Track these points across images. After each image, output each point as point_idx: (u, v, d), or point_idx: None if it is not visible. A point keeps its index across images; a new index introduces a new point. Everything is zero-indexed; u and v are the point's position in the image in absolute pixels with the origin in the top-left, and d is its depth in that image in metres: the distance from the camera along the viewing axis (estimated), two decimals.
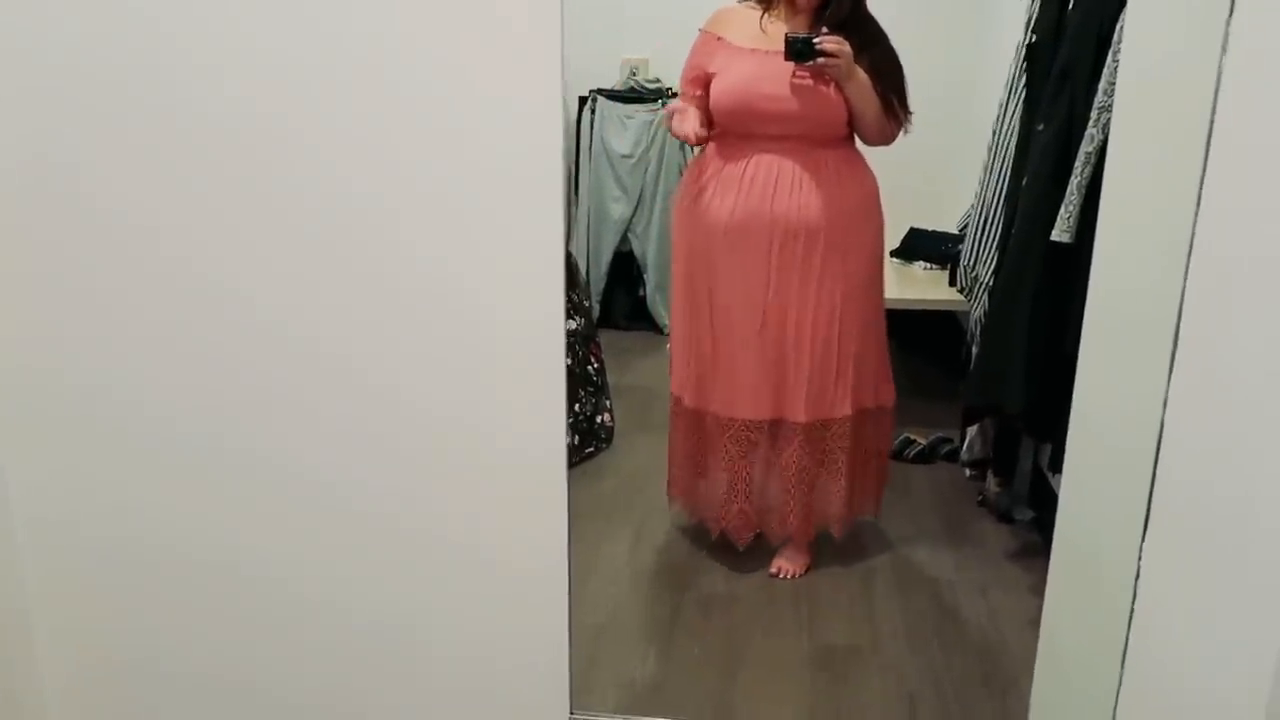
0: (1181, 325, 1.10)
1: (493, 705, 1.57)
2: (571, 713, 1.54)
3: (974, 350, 2.55)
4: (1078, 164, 1.90)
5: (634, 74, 3.84)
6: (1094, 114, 1.86)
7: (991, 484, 2.57)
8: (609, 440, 2.87)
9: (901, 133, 2.17)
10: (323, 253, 1.41)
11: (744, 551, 2.28)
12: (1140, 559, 1.16)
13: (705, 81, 2.13)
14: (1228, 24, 1.00)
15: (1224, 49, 1.00)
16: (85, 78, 1.38)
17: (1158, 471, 1.14)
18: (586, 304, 3.09)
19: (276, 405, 1.48)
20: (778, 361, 2.15)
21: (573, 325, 2.80)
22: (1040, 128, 2.08)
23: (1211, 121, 1.03)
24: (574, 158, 3.87)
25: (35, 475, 1.55)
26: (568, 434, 2.75)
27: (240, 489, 1.52)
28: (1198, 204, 1.06)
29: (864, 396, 2.21)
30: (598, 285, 3.88)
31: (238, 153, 1.39)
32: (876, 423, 2.27)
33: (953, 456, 2.86)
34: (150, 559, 1.57)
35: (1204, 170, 1.05)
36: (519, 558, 1.49)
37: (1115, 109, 1.36)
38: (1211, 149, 1.04)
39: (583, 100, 3.82)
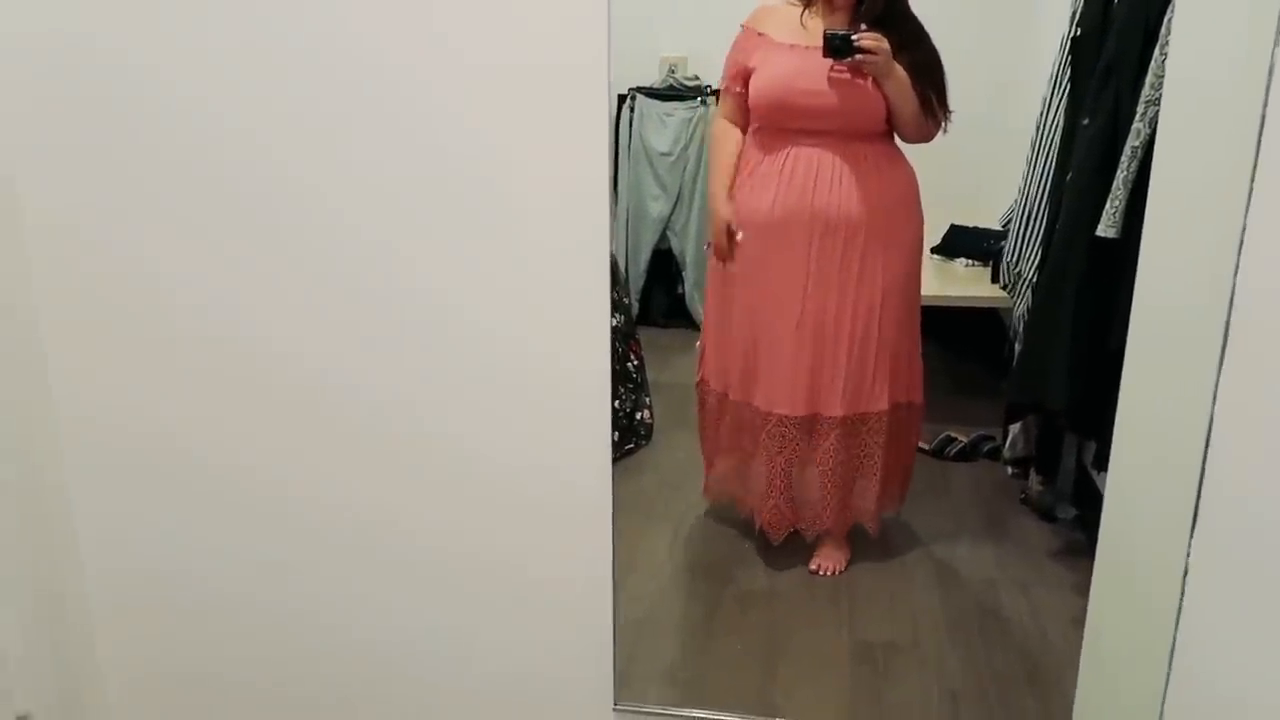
0: (1231, 321, 1.09)
1: (538, 699, 1.59)
2: (615, 705, 1.56)
3: (1017, 347, 2.53)
4: (1123, 159, 1.88)
5: (673, 72, 3.84)
6: (1140, 108, 1.85)
7: (1034, 482, 2.55)
8: (648, 437, 2.88)
9: (940, 132, 2.17)
10: (365, 267, 1.44)
11: (782, 546, 2.28)
12: (1188, 557, 1.15)
13: (745, 77, 2.17)
14: None
15: (1277, 40, 0.98)
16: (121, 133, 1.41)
17: (1206, 469, 1.13)
18: (626, 301, 3.10)
19: (324, 429, 1.51)
20: (815, 356, 2.16)
21: (613, 322, 2.80)
22: (1085, 122, 2.07)
23: (1263, 115, 1.02)
24: (613, 156, 3.88)
25: (100, 506, 1.59)
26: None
27: (292, 510, 1.55)
28: (1249, 199, 1.05)
29: (898, 392, 2.22)
30: (636, 283, 3.88)
31: (281, 171, 1.42)
32: (909, 418, 2.28)
33: (995, 454, 2.83)
34: (208, 586, 1.61)
35: (1255, 165, 1.03)
36: (564, 556, 1.50)
37: (1163, 102, 1.35)
38: (1263, 143, 1.03)
39: (621, 98, 3.82)
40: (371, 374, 1.48)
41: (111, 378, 1.53)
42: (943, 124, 2.17)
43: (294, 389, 1.50)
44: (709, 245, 2.37)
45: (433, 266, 1.42)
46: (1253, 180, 1.04)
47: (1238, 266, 1.07)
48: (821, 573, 2.24)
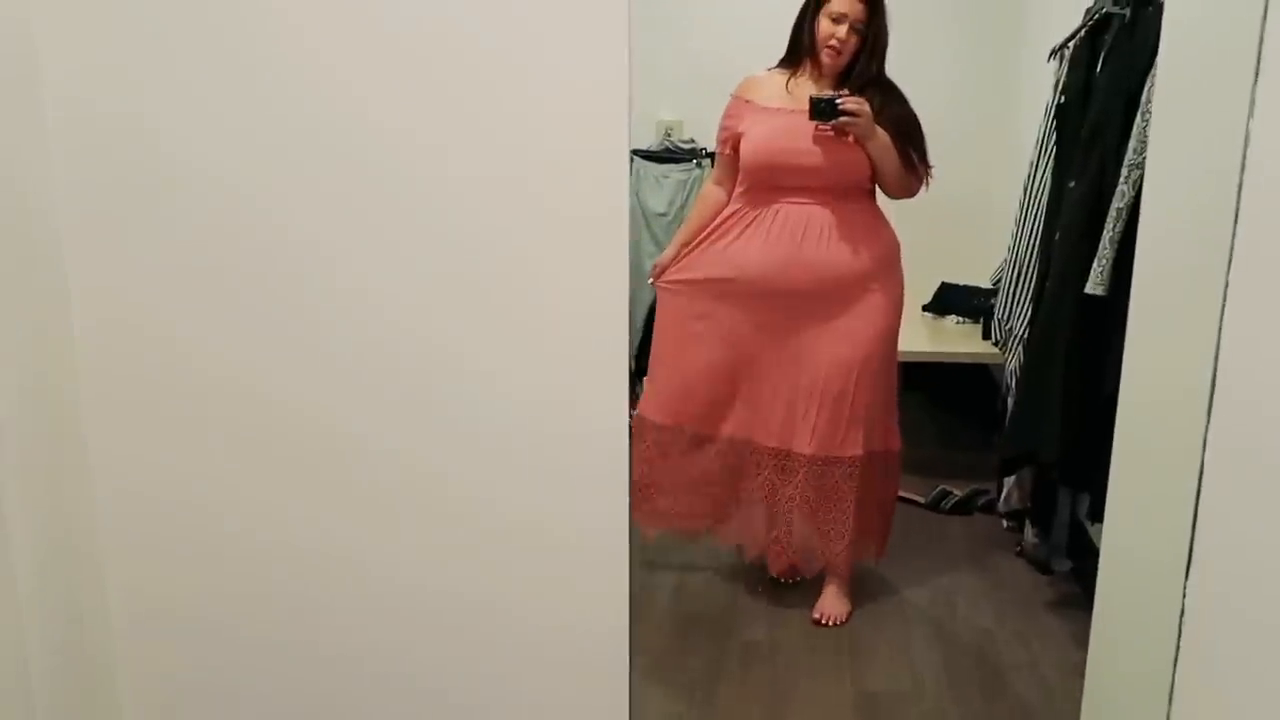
0: (1218, 374, 1.15)
1: None
2: None
3: (1009, 402, 2.59)
4: (1109, 219, 1.96)
5: (669, 135, 3.95)
6: (1124, 171, 1.93)
7: (1029, 534, 2.59)
8: None
9: (923, 188, 2.27)
10: (405, 246, 1.45)
11: (784, 594, 2.32)
12: (1184, 599, 1.19)
13: (736, 141, 2.26)
14: (1254, 88, 1.06)
15: (1251, 114, 1.06)
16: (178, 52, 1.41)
17: (1199, 515, 1.18)
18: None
19: (353, 399, 1.51)
20: (790, 395, 2.24)
21: None
22: (1072, 185, 2.15)
23: (1241, 179, 1.09)
24: None
25: (123, 471, 1.59)
26: None
27: (314, 480, 1.55)
28: (1230, 258, 1.11)
29: (874, 440, 2.27)
30: (634, 338, 3.95)
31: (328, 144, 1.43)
32: (885, 464, 2.32)
33: (990, 508, 2.88)
34: (231, 543, 1.59)
35: (1235, 224, 1.10)
36: (578, 605, 1.52)
37: (1148, 165, 1.43)
38: (1242, 205, 1.09)
39: None
40: (398, 438, 1.50)
41: (145, 444, 1.55)
42: (925, 180, 2.27)
43: (319, 453, 1.52)
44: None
45: (453, 329, 1.45)
46: (1234, 239, 1.11)
47: (1222, 320, 1.13)
48: (825, 622, 2.27)
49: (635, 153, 3.94)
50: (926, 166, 2.26)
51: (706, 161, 3.86)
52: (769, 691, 2.03)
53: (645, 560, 2.54)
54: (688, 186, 3.85)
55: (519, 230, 1.41)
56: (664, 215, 3.85)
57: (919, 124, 2.25)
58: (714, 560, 2.50)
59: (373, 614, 1.61)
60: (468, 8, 1.34)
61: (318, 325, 1.50)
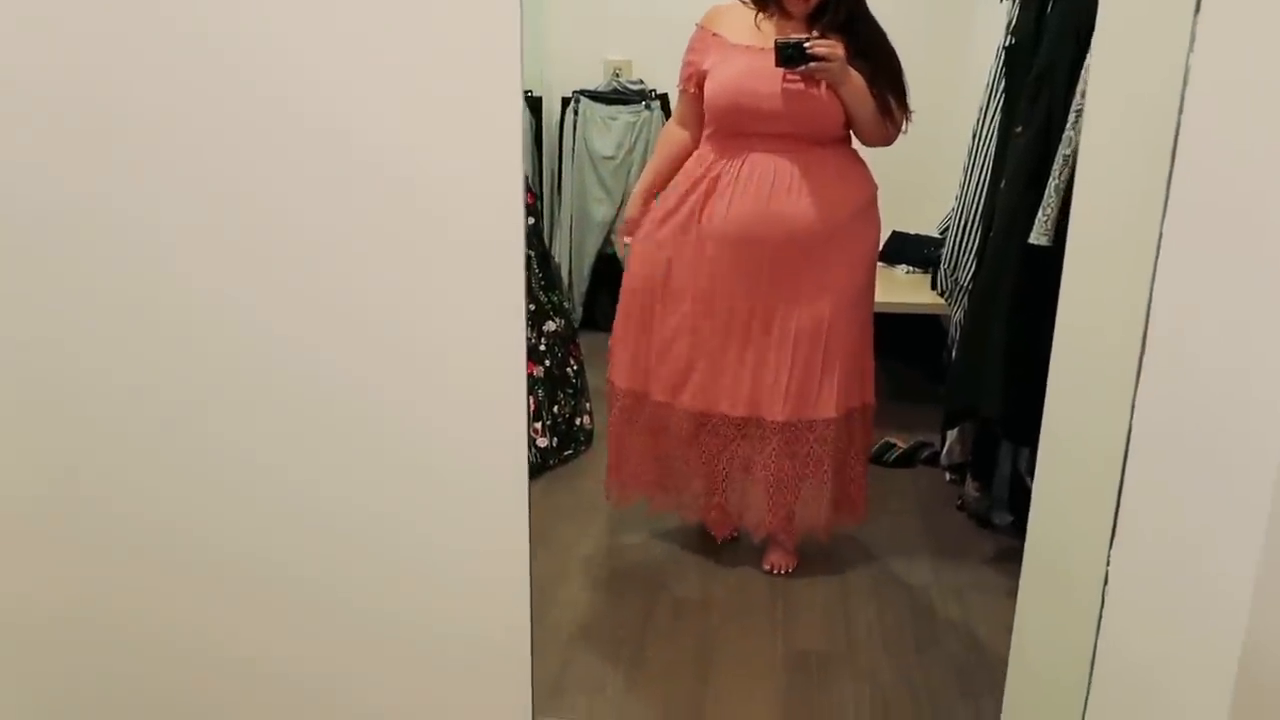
0: (1149, 329, 1.09)
1: (455, 711, 1.54)
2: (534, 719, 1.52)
3: (954, 354, 2.54)
4: (1055, 167, 1.90)
5: (617, 75, 3.83)
6: (1071, 116, 1.86)
7: (970, 488, 2.56)
8: (588, 442, 2.85)
9: (901, 134, 2.15)
10: (293, 252, 1.39)
11: (722, 551, 2.27)
12: (1108, 564, 1.15)
13: (700, 78, 2.12)
14: (1194, 21, 0.99)
15: (1191, 47, 0.99)
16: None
17: (1125, 477, 1.13)
18: (567, 305, 3.07)
19: (252, 406, 1.45)
20: (758, 360, 2.13)
21: (553, 326, 2.78)
22: (1019, 130, 2.08)
23: (1179, 121, 1.02)
24: (556, 159, 3.85)
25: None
26: (547, 436, 2.74)
27: (219, 484, 1.49)
28: (1165, 205, 1.05)
29: (851, 397, 2.18)
30: (580, 287, 3.86)
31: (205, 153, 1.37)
32: (861, 423, 2.24)
33: (933, 461, 2.85)
34: (142, 543, 1.54)
35: (1171, 171, 1.04)
36: (480, 565, 1.46)
37: (1086, 110, 1.36)
38: (1179, 149, 1.03)
39: (565, 101, 3.80)
40: (303, 360, 1.42)
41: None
42: (903, 126, 2.14)
43: (228, 368, 1.44)
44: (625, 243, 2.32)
45: (343, 270, 1.37)
46: (1169, 186, 1.04)
47: (1155, 272, 1.07)
48: (774, 571, 2.23)
49: (582, 93, 3.82)
50: (906, 111, 2.13)
51: (656, 103, 3.75)
52: (699, 649, 1.98)
53: (579, 515, 2.49)
54: (636, 129, 3.73)
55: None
56: (611, 159, 3.74)
57: (899, 67, 2.09)
58: (653, 515, 2.44)
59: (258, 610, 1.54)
60: None
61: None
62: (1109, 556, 1.14)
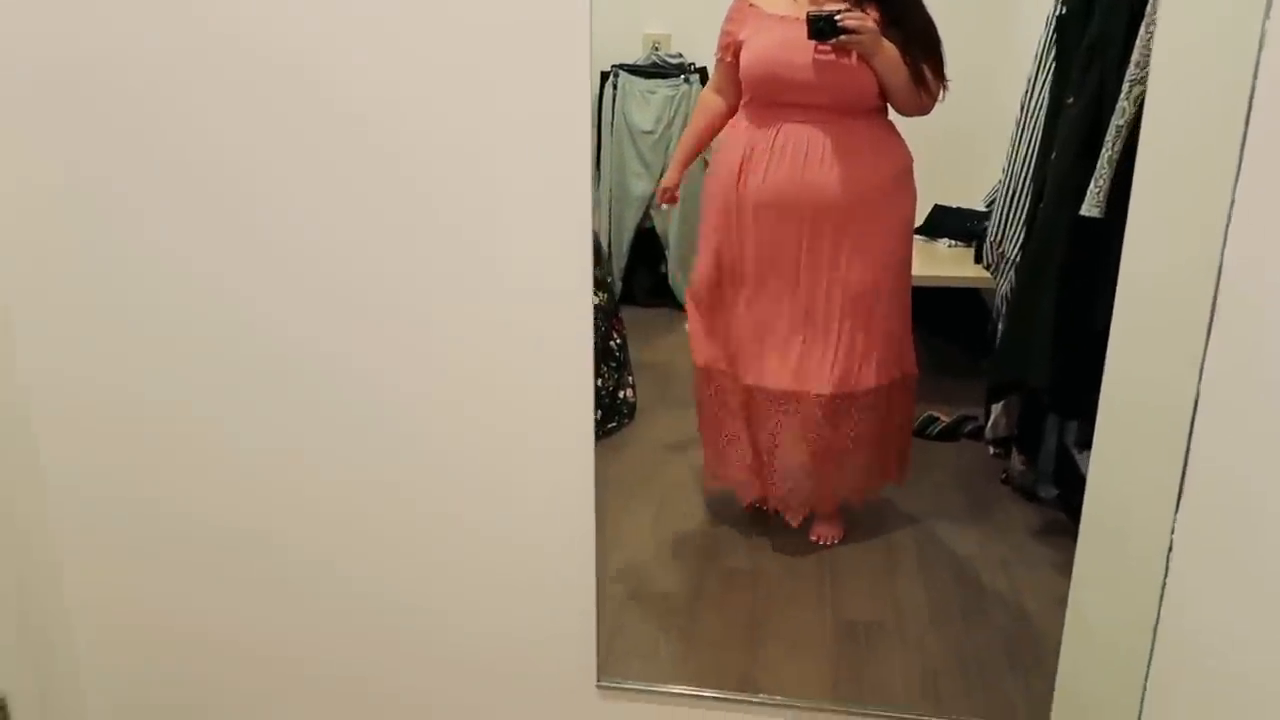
0: (1218, 298, 1.09)
1: (522, 676, 1.58)
2: (599, 683, 1.55)
3: (999, 327, 2.53)
4: (1108, 138, 1.88)
5: (656, 49, 3.80)
6: (1125, 87, 1.84)
7: (1016, 461, 2.55)
8: (631, 415, 2.87)
9: (938, 102, 2.16)
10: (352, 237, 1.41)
11: (769, 522, 2.29)
12: (1173, 533, 1.15)
13: (736, 48, 2.16)
14: None
15: (1267, 13, 0.98)
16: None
17: (1191, 445, 1.13)
18: (609, 280, 3.08)
19: (302, 388, 1.49)
20: (807, 332, 2.16)
21: (596, 300, 2.78)
22: (1070, 101, 2.06)
23: (1252, 92, 1.01)
24: (595, 134, 3.84)
25: (69, 453, 1.57)
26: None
27: (269, 469, 1.54)
28: (1236, 176, 1.04)
29: (891, 368, 2.21)
30: (619, 262, 3.86)
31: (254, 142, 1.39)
32: (903, 392, 2.28)
33: (977, 435, 2.83)
34: (178, 532, 1.59)
35: (1243, 142, 1.03)
36: (547, 534, 1.49)
37: (1150, 80, 1.34)
38: (1252, 120, 1.02)
39: (605, 76, 3.79)
40: (354, 365, 1.46)
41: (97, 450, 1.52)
42: (938, 96, 2.15)
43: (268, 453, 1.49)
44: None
45: (409, 258, 1.40)
46: (1241, 158, 1.04)
47: (1225, 243, 1.07)
48: (821, 542, 2.25)
49: (621, 67, 3.80)
50: (942, 81, 2.14)
51: (695, 77, 3.73)
52: (748, 618, 2.00)
53: (624, 488, 2.51)
54: (675, 103, 3.71)
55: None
56: (650, 133, 3.72)
57: (936, 37, 2.11)
58: (697, 489, 2.46)
59: (336, 536, 1.58)
60: None
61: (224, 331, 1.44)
62: (1174, 524, 1.14)
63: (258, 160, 1.39)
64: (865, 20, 1.99)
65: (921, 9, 2.11)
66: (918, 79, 2.09)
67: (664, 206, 2.34)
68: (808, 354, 2.17)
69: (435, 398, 1.49)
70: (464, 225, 1.40)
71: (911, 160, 2.19)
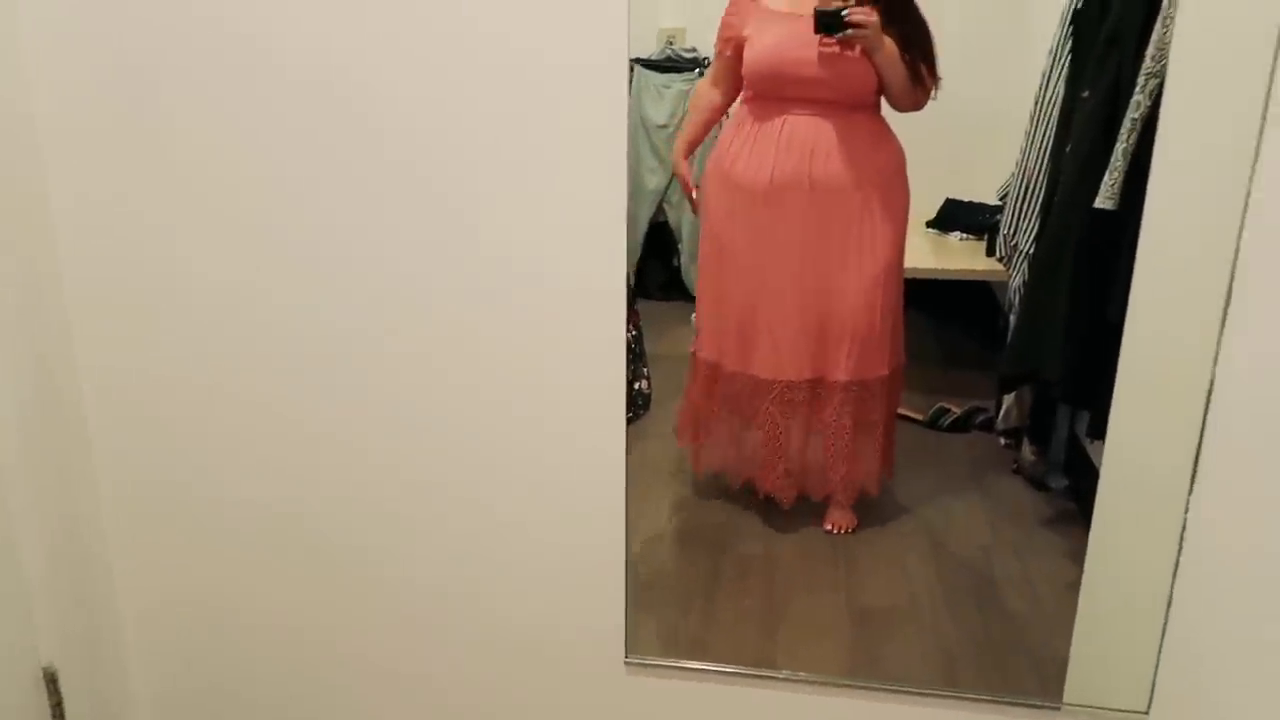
0: (1233, 290, 1.11)
1: (553, 652, 1.62)
2: (626, 659, 1.58)
3: (1011, 320, 2.55)
4: (1123, 130, 1.90)
5: (670, 43, 3.83)
6: (1141, 80, 1.86)
7: (1027, 451, 2.58)
8: (646, 407, 2.90)
9: (931, 99, 2.21)
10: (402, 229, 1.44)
11: (784, 513, 2.32)
12: (1186, 514, 1.17)
13: (738, 44, 2.19)
14: None
15: None
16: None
17: (1205, 432, 1.16)
18: (625, 272, 3.10)
19: (351, 385, 1.52)
20: (820, 321, 2.20)
21: None
22: (1085, 94, 2.08)
23: (1269, 86, 1.04)
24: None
25: (121, 437, 1.60)
26: None
27: (315, 458, 1.57)
28: (1252, 169, 1.07)
29: (896, 357, 2.26)
30: (633, 255, 3.87)
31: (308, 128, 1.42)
32: (899, 381, 2.32)
33: (988, 426, 2.86)
34: (225, 517, 1.62)
35: (1260, 134, 1.05)
36: (577, 514, 1.52)
37: (1169, 72, 1.37)
38: (1269, 114, 1.05)
39: None
40: (403, 364, 1.50)
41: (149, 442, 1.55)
42: (932, 92, 2.20)
43: (316, 357, 1.51)
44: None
45: (456, 263, 1.43)
46: (1257, 149, 1.06)
47: (1240, 234, 1.09)
48: (835, 530, 2.28)
49: (636, 61, 3.82)
50: (935, 79, 2.19)
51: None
52: (764, 604, 2.03)
53: (641, 478, 2.54)
54: (689, 98, 3.74)
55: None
56: (664, 127, 3.74)
57: (929, 34, 2.17)
58: (712, 478, 2.49)
59: (369, 516, 1.61)
60: None
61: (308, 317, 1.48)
62: (1188, 503, 1.17)
63: (312, 167, 1.43)
64: (871, 15, 2.04)
65: (916, 9, 2.17)
66: (915, 76, 2.16)
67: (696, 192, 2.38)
68: (822, 341, 2.21)
69: (477, 394, 1.53)
70: (508, 229, 1.44)
71: (904, 156, 2.26)
